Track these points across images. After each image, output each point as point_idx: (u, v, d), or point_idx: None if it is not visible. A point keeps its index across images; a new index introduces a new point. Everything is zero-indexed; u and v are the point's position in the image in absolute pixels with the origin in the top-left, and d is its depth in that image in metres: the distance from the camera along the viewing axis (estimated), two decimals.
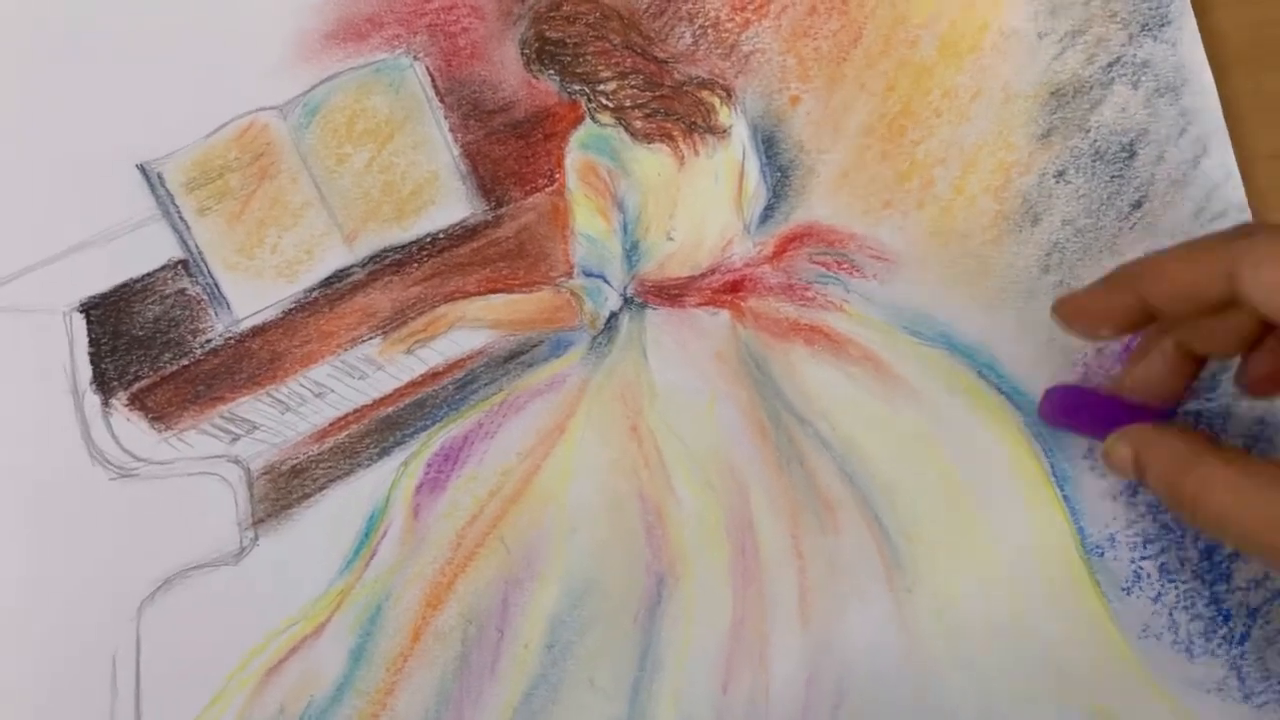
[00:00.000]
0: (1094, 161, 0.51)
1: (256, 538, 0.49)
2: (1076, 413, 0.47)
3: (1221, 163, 0.51)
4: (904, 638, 0.48)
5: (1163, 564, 0.49)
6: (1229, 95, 0.51)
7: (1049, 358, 0.50)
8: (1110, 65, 0.51)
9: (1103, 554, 0.49)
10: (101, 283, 0.48)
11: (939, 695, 0.48)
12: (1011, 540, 0.49)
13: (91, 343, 0.48)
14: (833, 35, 0.51)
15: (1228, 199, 0.51)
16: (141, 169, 0.49)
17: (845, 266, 0.51)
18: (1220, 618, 0.48)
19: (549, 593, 0.49)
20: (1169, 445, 0.40)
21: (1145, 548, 0.49)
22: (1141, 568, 0.49)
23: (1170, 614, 0.48)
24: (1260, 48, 0.52)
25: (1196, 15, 0.51)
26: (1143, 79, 0.51)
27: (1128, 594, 0.49)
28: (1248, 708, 0.48)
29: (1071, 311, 0.44)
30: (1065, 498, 0.49)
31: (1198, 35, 0.51)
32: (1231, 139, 0.51)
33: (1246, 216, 0.50)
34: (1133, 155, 0.51)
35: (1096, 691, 0.48)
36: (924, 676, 0.48)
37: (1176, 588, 0.49)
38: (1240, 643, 0.48)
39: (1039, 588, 0.48)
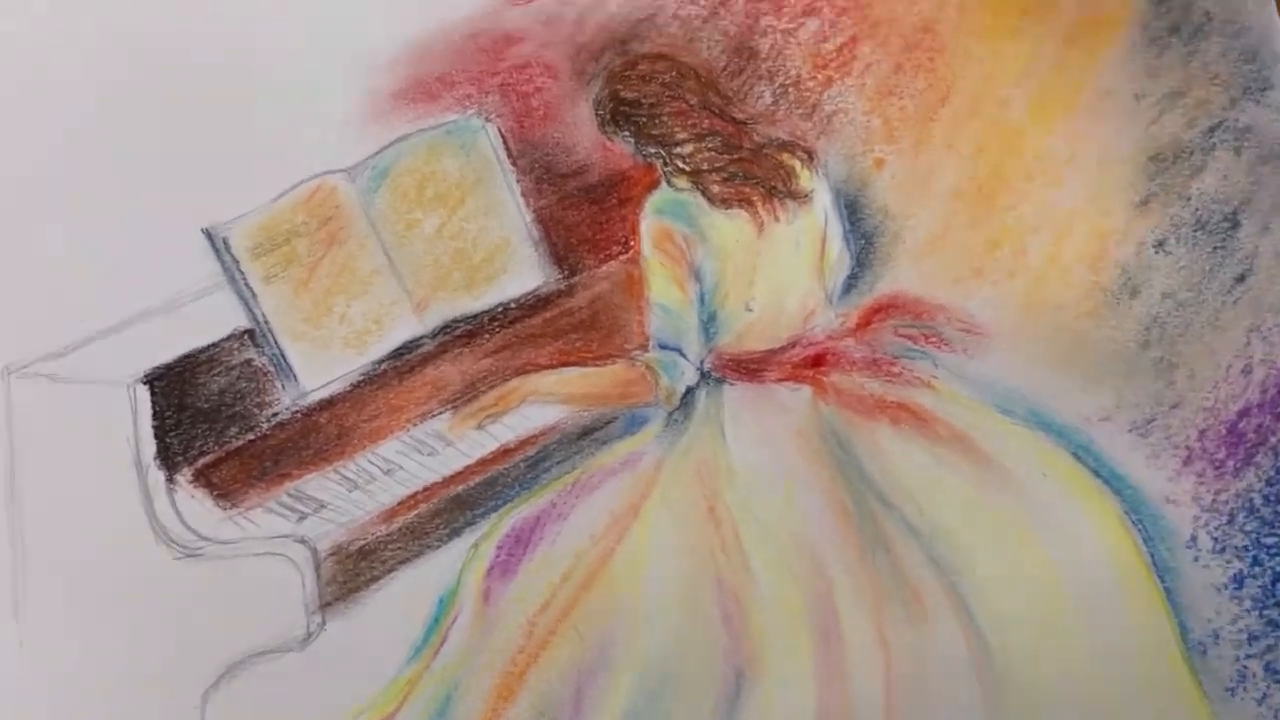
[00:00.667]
0: (1195, 231, 0.48)
1: (324, 622, 0.47)
2: None
3: None
4: None
5: (1268, 663, 0.46)
6: None
7: (1150, 440, 0.47)
8: (1211, 130, 0.49)
9: (1205, 652, 0.46)
10: (166, 353, 0.47)
11: None
12: (1109, 637, 0.46)
13: (155, 415, 0.47)
14: (919, 94, 0.49)
15: None
16: (207, 233, 0.48)
17: (933, 340, 0.49)
18: None
19: (623, 684, 0.47)
20: None
21: (1250, 645, 0.46)
22: (1246, 667, 0.46)
23: (1277, 717, 0.46)
24: None
25: None
26: (1245, 145, 0.49)
27: (1232, 695, 0.46)
28: None
29: None
30: (1166, 590, 0.47)
31: None
32: None
33: None
34: (1236, 225, 0.49)
35: None
36: None
37: None
38: None
39: (1138, 687, 0.46)
